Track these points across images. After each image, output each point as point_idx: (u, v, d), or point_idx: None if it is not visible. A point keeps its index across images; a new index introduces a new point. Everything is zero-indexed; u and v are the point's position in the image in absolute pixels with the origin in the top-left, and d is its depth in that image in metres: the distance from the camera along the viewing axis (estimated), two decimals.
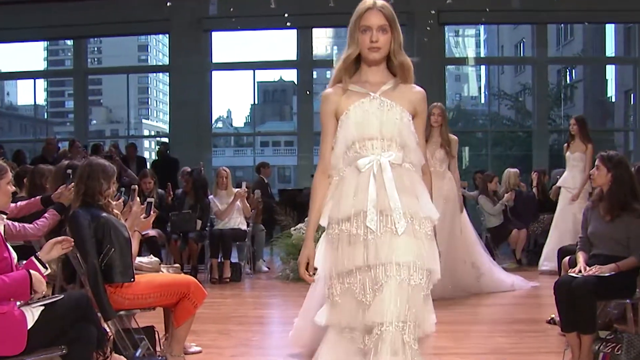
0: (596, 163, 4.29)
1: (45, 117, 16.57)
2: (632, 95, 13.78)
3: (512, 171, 8.79)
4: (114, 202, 3.92)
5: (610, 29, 16.07)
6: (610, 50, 16.51)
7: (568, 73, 18.36)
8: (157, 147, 12.66)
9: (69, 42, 15.73)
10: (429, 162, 5.13)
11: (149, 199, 4.24)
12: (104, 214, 3.72)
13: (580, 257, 4.21)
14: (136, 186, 4.39)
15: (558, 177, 8.88)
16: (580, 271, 4.05)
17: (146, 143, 24.02)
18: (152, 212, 4.13)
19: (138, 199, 4.17)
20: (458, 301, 5.93)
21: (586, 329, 3.86)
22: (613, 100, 16.92)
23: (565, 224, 7.39)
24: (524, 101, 16.97)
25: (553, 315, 4.80)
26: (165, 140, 12.71)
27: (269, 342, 5.07)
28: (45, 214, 4.42)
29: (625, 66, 14.29)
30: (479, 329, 5.22)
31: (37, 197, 4.71)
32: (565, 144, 7.66)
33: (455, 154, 6.45)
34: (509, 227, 8.26)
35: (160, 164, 10.44)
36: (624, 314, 4.32)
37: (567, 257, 4.64)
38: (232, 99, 36.53)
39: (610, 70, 16.69)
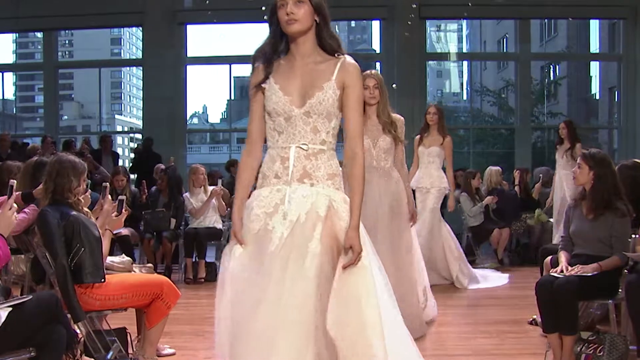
0: (578, 161, 4.27)
1: (14, 112, 16.28)
2: (616, 92, 13.75)
3: (494, 169, 8.69)
4: (82, 196, 3.83)
5: (594, 25, 16.12)
6: (594, 47, 16.56)
7: (552, 69, 18.36)
8: (141, 142, 12.32)
9: (39, 35, 15.39)
10: (368, 153, 4.45)
11: (120, 197, 4.15)
12: (74, 212, 3.63)
13: (562, 257, 4.17)
14: (107, 183, 4.31)
15: (540, 175, 8.87)
16: (562, 271, 4.01)
17: (119, 139, 23.69)
18: (123, 210, 4.04)
19: (109, 196, 4.09)
20: (439, 301, 5.86)
21: (568, 329, 3.82)
22: (597, 97, 16.95)
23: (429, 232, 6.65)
24: (507, 98, 16.95)
25: (535, 316, 4.76)
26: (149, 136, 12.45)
27: None
28: (25, 209, 4.42)
29: (609, 63, 14.28)
30: (460, 330, 5.16)
31: (17, 193, 4.64)
32: (418, 137, 6.78)
33: (403, 138, 4.89)
34: (491, 226, 8.18)
35: (144, 159, 10.21)
36: (606, 315, 4.31)
37: (549, 257, 4.60)
38: (207, 94, 36.10)
39: (595, 67, 16.67)
